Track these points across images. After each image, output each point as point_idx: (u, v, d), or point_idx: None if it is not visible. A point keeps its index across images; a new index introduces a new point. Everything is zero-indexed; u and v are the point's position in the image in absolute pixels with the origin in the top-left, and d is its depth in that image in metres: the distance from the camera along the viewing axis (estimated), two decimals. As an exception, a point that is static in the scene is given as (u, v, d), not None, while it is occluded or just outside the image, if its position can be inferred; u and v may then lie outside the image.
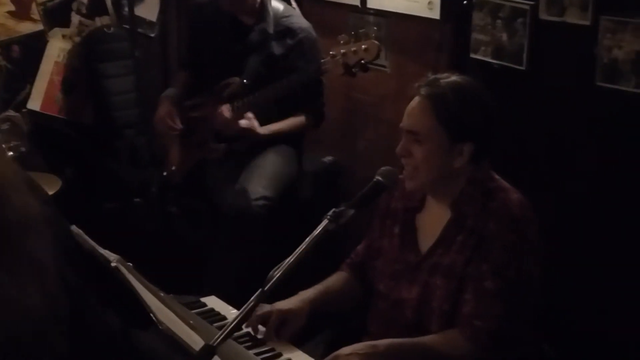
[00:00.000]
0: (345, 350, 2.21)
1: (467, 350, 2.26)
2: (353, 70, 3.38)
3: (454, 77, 2.39)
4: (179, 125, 3.92)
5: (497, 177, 2.42)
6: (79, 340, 1.03)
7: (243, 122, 3.59)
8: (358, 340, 2.43)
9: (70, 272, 1.11)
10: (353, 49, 3.35)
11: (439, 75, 2.40)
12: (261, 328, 2.40)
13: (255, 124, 3.64)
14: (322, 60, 3.48)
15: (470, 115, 2.34)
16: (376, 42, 3.34)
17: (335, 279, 2.65)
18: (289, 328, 2.40)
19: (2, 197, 0.99)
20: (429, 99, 2.33)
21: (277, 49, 3.75)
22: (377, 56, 3.39)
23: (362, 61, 3.36)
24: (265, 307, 2.40)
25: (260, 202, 3.62)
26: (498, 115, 2.43)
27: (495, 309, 2.25)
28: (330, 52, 3.41)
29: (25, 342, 0.95)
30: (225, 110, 3.63)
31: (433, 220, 2.44)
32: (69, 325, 1.01)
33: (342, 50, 3.36)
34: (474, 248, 2.30)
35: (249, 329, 2.39)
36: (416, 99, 2.36)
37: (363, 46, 3.34)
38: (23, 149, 4.05)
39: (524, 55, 3.19)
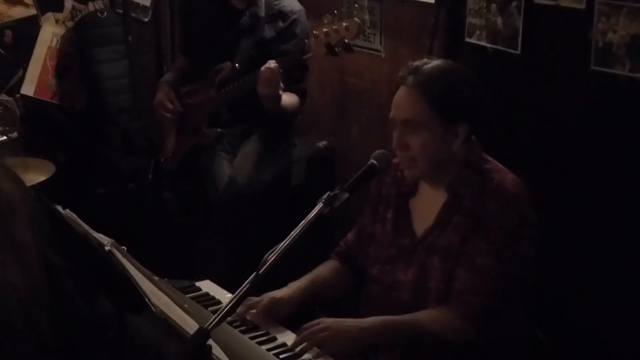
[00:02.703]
0: (332, 319, 2.25)
1: (459, 327, 2.27)
2: (336, 49, 3.36)
3: (435, 62, 2.42)
4: (178, 107, 3.90)
5: (490, 158, 2.44)
6: (59, 322, 1.04)
7: (282, 89, 3.54)
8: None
9: (51, 255, 1.11)
10: (335, 27, 3.33)
11: (418, 63, 2.41)
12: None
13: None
14: (306, 41, 3.47)
15: (460, 95, 2.37)
16: (357, 20, 3.32)
17: (325, 268, 2.66)
18: (276, 314, 2.42)
19: None
20: (417, 86, 2.35)
21: (268, 32, 3.74)
22: (358, 34, 3.37)
23: (345, 40, 3.34)
24: (256, 298, 2.43)
25: (254, 186, 3.62)
26: (489, 94, 2.44)
27: (489, 287, 2.27)
28: (314, 32, 3.40)
29: (9, 322, 0.96)
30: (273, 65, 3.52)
31: (427, 204, 2.45)
32: (50, 306, 1.02)
33: (324, 30, 3.34)
34: (471, 228, 2.32)
35: (238, 316, 2.40)
36: (403, 89, 2.38)
37: (344, 24, 3.32)
38: (15, 134, 4.03)
39: (519, 39, 3.18)
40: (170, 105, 3.89)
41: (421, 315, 2.32)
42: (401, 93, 2.38)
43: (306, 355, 2.19)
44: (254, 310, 2.40)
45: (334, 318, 2.26)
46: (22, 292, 0.97)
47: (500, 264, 2.27)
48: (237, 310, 2.34)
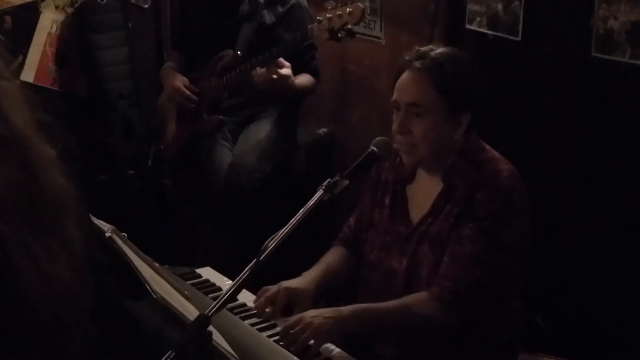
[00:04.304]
0: (311, 312, 2.24)
1: (434, 310, 2.28)
2: (339, 35, 3.36)
3: (442, 49, 2.40)
4: (196, 94, 3.87)
5: (487, 147, 2.43)
6: (100, 321, 1.04)
7: (284, 71, 3.54)
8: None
9: (95, 252, 1.12)
10: (338, 12, 3.32)
11: (425, 49, 2.39)
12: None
13: (291, 72, 3.59)
14: (309, 27, 3.47)
15: (468, 83, 2.36)
16: (360, 5, 3.31)
17: (333, 256, 2.65)
18: (298, 309, 2.39)
19: (40, 175, 1.00)
20: (426, 70, 2.32)
21: (268, 17, 3.74)
22: (362, 19, 3.36)
23: (348, 25, 3.33)
24: (272, 288, 2.41)
25: (255, 174, 3.62)
26: (491, 85, 2.43)
27: (468, 272, 2.27)
28: (317, 18, 3.39)
29: (59, 318, 0.96)
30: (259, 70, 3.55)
31: (424, 192, 2.45)
32: (93, 305, 1.02)
33: (327, 15, 3.34)
34: (459, 216, 2.32)
35: (256, 310, 2.40)
36: (409, 73, 2.36)
37: (348, 9, 3.31)
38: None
39: (520, 26, 3.17)
40: (187, 92, 3.86)
41: (397, 301, 2.33)
42: (407, 76, 2.36)
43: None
44: (269, 308, 2.39)
45: (313, 311, 2.26)
46: (71, 288, 0.97)
47: (480, 250, 2.27)
48: (254, 303, 2.38)
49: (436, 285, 2.30)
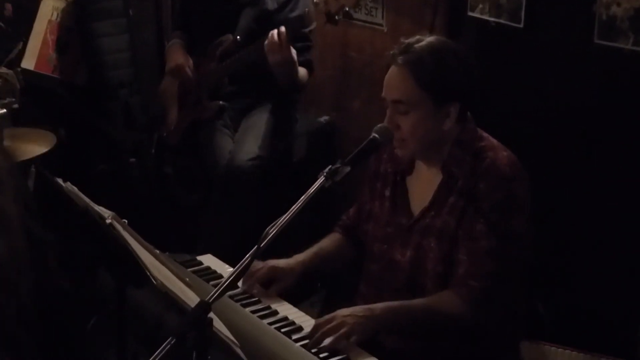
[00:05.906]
0: (344, 311, 2.22)
1: (463, 310, 2.27)
2: (336, 17, 3.34)
3: (428, 40, 2.36)
4: (195, 77, 3.86)
5: (485, 135, 2.42)
6: (40, 295, 1.04)
7: (294, 53, 3.50)
8: (352, 300, 2.45)
9: (37, 229, 1.11)
10: None
11: (411, 40, 2.36)
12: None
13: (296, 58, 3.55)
14: (306, 10, 3.44)
15: (451, 75, 2.32)
16: None
17: (328, 241, 2.66)
18: (276, 285, 2.45)
19: None
20: (407, 66, 2.31)
21: (270, 4, 3.72)
22: (358, 1, 3.34)
23: (345, 8, 3.32)
24: (258, 264, 2.44)
25: (255, 162, 3.62)
26: (493, 73, 2.41)
27: (487, 268, 2.26)
28: (314, 1, 3.38)
29: None
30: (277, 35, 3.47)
31: (424, 183, 2.44)
32: (31, 276, 1.02)
33: None
34: (465, 209, 2.31)
35: (245, 286, 2.44)
36: (393, 69, 2.34)
37: None
38: (16, 106, 4.02)
39: (522, 13, 3.16)
40: (190, 72, 3.85)
41: (426, 300, 2.31)
42: (392, 73, 2.35)
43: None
44: (253, 278, 2.43)
45: (345, 309, 2.23)
46: (4, 259, 0.97)
47: (496, 243, 2.26)
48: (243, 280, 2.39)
49: (463, 286, 2.28)
